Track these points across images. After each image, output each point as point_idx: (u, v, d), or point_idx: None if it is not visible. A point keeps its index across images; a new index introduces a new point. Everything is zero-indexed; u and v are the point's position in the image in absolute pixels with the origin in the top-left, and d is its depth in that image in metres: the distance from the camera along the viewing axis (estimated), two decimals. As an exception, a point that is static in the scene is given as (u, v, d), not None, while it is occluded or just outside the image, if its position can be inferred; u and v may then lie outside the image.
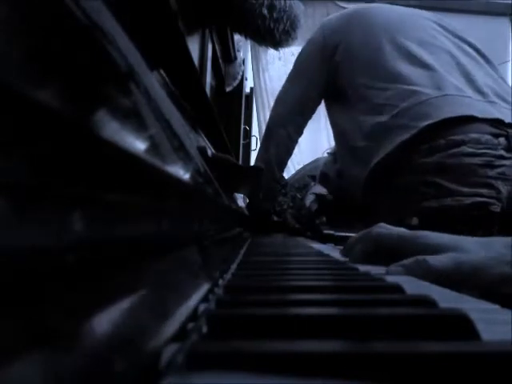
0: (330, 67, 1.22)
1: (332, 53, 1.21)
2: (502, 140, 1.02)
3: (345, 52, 1.19)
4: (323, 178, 1.60)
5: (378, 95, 1.13)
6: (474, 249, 0.45)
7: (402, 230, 0.52)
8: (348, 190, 1.28)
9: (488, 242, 0.46)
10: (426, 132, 1.04)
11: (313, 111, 1.33)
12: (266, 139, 1.36)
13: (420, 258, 0.44)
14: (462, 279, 0.42)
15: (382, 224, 0.54)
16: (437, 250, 0.45)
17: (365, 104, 1.15)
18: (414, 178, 1.05)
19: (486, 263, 0.43)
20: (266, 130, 1.39)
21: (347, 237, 0.61)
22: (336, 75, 1.21)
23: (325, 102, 1.30)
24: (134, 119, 0.18)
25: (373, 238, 0.52)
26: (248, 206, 1.14)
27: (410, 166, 1.06)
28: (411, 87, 1.10)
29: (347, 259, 0.55)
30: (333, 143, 1.38)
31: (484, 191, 0.98)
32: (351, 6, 1.92)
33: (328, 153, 1.68)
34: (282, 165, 1.39)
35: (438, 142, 1.03)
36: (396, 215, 1.02)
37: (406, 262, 0.44)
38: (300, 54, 1.32)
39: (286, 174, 2.37)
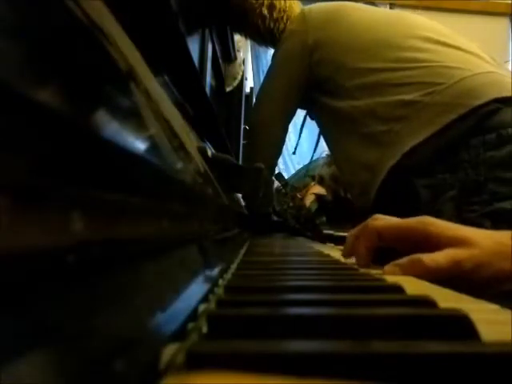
0: (312, 62, 1.12)
1: (315, 47, 1.12)
2: None
3: (332, 44, 1.10)
4: (320, 181, 1.61)
5: (397, 75, 1.00)
6: (484, 244, 0.43)
7: (402, 220, 0.48)
8: (354, 189, 1.15)
9: (501, 237, 0.44)
10: (475, 113, 0.90)
11: (296, 108, 1.24)
12: (252, 143, 1.27)
13: (415, 257, 0.42)
14: (462, 275, 0.41)
15: (378, 215, 0.50)
16: (443, 243, 0.43)
17: (377, 87, 1.02)
18: (477, 174, 0.89)
19: (488, 259, 0.42)
20: (251, 133, 1.29)
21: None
22: (321, 69, 1.11)
23: (312, 97, 1.17)
24: (134, 119, 0.18)
25: (375, 230, 0.48)
26: (247, 206, 1.13)
27: (470, 159, 0.90)
28: (446, 63, 0.98)
29: (351, 260, 0.52)
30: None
31: None
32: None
33: (326, 154, 1.67)
34: (272, 168, 1.31)
35: (507, 131, 0.88)
36: (452, 217, 0.85)
37: (401, 261, 0.43)
38: (281, 49, 1.21)
39: (286, 174, 2.37)
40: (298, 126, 1.44)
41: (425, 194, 0.94)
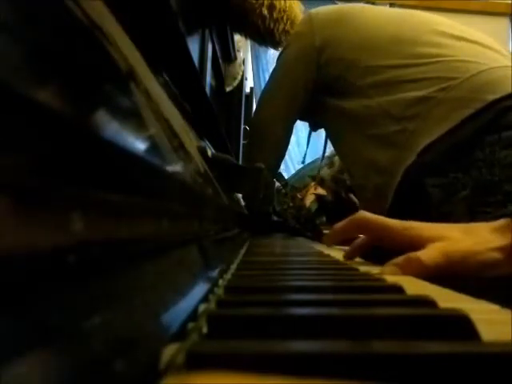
0: (320, 62, 1.10)
1: (323, 47, 1.10)
2: None
3: (341, 43, 1.08)
4: (320, 182, 1.61)
5: (411, 71, 0.97)
6: (460, 237, 0.46)
7: (386, 219, 0.52)
8: (367, 193, 1.10)
9: (472, 228, 0.47)
10: (491, 109, 0.87)
11: (300, 111, 1.21)
12: (254, 145, 1.26)
13: (412, 255, 0.44)
14: (452, 268, 0.44)
15: (363, 212, 0.53)
16: (426, 241, 0.46)
17: (390, 84, 0.99)
18: (492, 174, 0.85)
19: (473, 250, 0.45)
20: (254, 134, 1.28)
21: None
22: (330, 68, 1.09)
23: (321, 101, 1.15)
24: (134, 119, 0.18)
25: (356, 218, 0.53)
26: (247, 206, 1.12)
27: (485, 157, 0.87)
28: (462, 58, 0.95)
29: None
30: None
31: None
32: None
33: (327, 156, 1.66)
34: (275, 169, 1.30)
35: None
36: (464, 218, 0.82)
37: (398, 260, 0.44)
38: (287, 51, 1.18)
39: (286, 174, 2.37)
40: (300, 133, 1.44)
41: (435, 193, 0.91)
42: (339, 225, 0.55)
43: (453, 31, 1.03)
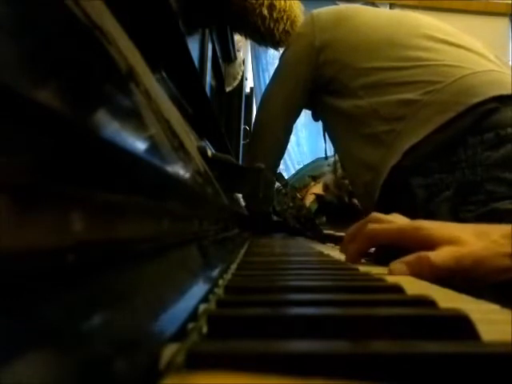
0: (318, 63, 1.13)
1: (322, 48, 1.12)
2: None
3: (338, 45, 1.11)
4: (325, 189, 1.62)
5: (400, 74, 1.00)
6: (471, 240, 0.45)
7: (397, 222, 0.51)
8: (358, 189, 1.14)
9: (485, 231, 0.47)
10: (473, 112, 0.89)
11: (300, 110, 1.24)
12: (254, 144, 1.28)
13: (422, 254, 0.44)
14: (462, 272, 0.43)
15: (375, 214, 0.52)
16: (437, 242, 0.45)
17: (380, 86, 1.02)
18: (474, 174, 0.88)
19: (484, 255, 0.44)
20: (254, 133, 1.30)
21: None
22: (326, 69, 1.12)
23: (318, 98, 1.17)
24: (134, 119, 0.18)
25: (367, 235, 0.51)
26: (247, 206, 1.12)
27: (468, 158, 0.89)
28: (448, 62, 0.98)
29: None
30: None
31: None
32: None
33: (332, 163, 1.67)
34: (274, 168, 1.31)
35: (505, 131, 0.87)
36: (447, 218, 0.85)
37: (407, 258, 0.44)
38: (288, 51, 1.21)
39: (286, 174, 2.37)
40: (300, 133, 1.43)
41: (420, 193, 0.94)
42: (354, 247, 0.53)
43: (441, 35, 1.06)
